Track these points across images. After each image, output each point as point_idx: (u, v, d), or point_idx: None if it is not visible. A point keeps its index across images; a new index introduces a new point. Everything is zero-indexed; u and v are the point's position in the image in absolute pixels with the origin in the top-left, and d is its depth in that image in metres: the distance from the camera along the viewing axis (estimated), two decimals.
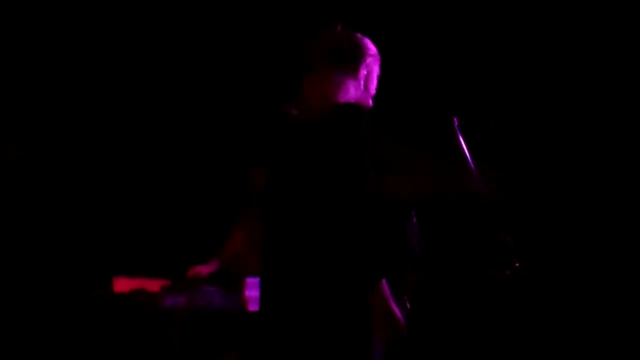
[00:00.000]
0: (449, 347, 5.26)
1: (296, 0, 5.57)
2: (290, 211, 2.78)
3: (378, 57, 2.95)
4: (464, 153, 3.00)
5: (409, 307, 2.77)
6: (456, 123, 3.05)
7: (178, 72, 5.93)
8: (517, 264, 2.94)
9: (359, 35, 2.93)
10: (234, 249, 5.24)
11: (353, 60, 2.88)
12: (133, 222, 6.00)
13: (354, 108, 2.72)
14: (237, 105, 5.96)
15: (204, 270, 4.96)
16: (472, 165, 3.00)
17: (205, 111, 6.02)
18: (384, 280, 2.57)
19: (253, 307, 4.67)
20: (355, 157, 2.61)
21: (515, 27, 5.40)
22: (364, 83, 2.89)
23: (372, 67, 2.93)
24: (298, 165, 2.77)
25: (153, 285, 4.85)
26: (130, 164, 6.07)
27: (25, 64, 5.79)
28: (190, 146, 6.06)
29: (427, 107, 2.93)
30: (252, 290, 4.67)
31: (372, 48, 2.94)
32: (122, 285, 4.80)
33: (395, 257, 2.73)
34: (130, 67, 5.91)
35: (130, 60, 5.89)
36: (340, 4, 5.20)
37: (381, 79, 2.98)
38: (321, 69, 2.87)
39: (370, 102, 2.89)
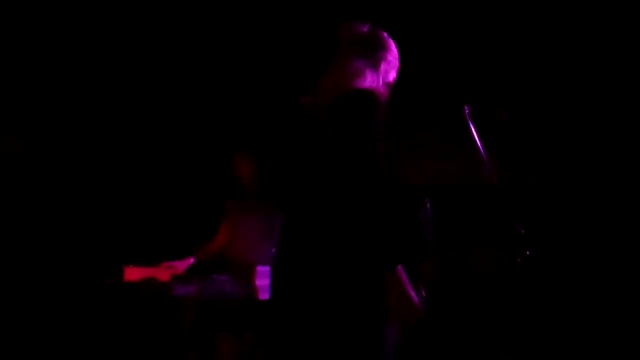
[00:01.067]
0: (460, 335, 5.26)
1: None
2: (304, 198, 2.79)
3: (398, 64, 2.98)
4: (476, 142, 3.00)
5: (424, 295, 2.77)
6: (468, 112, 3.05)
7: (168, 67, 5.95)
8: (528, 253, 2.93)
9: (386, 35, 2.96)
10: (220, 242, 5.29)
11: (377, 56, 2.91)
12: (143, 213, 6.03)
13: (366, 94, 2.74)
14: (225, 102, 6.00)
15: (179, 265, 5.02)
16: (483, 153, 2.99)
17: (196, 107, 6.06)
18: (400, 266, 2.58)
19: (264, 295, 4.69)
20: (364, 143, 2.63)
21: (527, 14, 5.39)
22: (385, 74, 2.91)
23: (390, 69, 2.96)
24: (311, 152, 2.77)
25: (163, 274, 4.87)
26: (140, 156, 6.11)
27: (27, 59, 5.81)
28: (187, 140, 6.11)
29: (439, 96, 2.92)
30: (263, 279, 4.69)
31: (395, 52, 2.99)
32: (133, 274, 4.82)
33: (411, 244, 2.72)
34: (126, 58, 5.92)
35: (124, 50, 5.90)
36: None
37: None
38: (345, 59, 2.90)
39: (386, 92, 2.90)
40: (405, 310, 2.59)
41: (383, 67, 2.91)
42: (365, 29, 2.95)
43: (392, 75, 2.96)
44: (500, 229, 2.98)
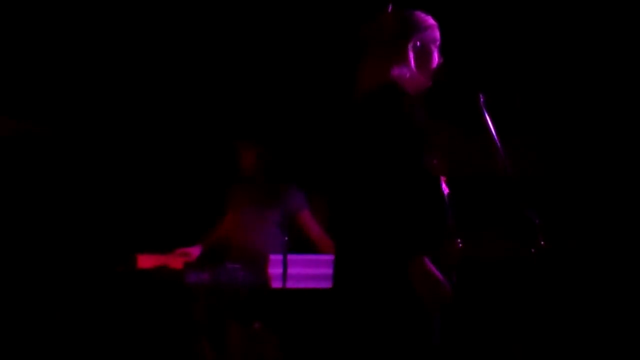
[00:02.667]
0: (474, 323, 5.25)
1: None
2: (343, 191, 2.84)
3: (434, 27, 2.97)
4: (490, 130, 2.98)
5: (454, 280, 2.79)
6: (482, 100, 3.02)
7: (179, 57, 5.95)
8: (542, 243, 2.92)
9: (408, 12, 2.96)
10: (225, 229, 5.29)
11: (399, 42, 2.90)
12: (155, 201, 6.05)
13: (389, 92, 2.77)
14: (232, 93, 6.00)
15: (191, 251, 5.03)
16: (498, 142, 2.97)
17: (203, 97, 6.07)
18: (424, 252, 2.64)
19: (276, 284, 4.69)
20: (382, 141, 2.69)
21: (542, 4, 5.35)
22: (417, 59, 2.91)
23: (426, 40, 2.94)
24: (348, 148, 2.82)
25: (175, 262, 4.88)
26: (153, 145, 6.12)
27: (29, 57, 5.82)
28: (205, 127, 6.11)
29: (453, 84, 2.90)
30: (275, 268, 4.69)
31: (424, 21, 2.96)
32: (145, 261, 4.84)
33: (434, 229, 2.74)
34: (135, 45, 5.92)
35: (133, 37, 5.90)
36: None
37: None
38: (369, 54, 2.91)
39: (422, 79, 2.93)
40: (432, 293, 2.62)
41: (410, 49, 2.89)
42: (383, 17, 2.94)
43: (434, 58, 2.95)
44: (514, 219, 2.96)
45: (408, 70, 2.86)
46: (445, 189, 2.93)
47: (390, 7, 2.96)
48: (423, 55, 2.92)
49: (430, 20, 2.97)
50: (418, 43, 2.90)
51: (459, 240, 2.83)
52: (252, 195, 5.21)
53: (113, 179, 6.08)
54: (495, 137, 2.98)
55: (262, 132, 5.36)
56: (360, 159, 2.74)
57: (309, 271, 4.66)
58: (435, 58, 2.96)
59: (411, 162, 2.68)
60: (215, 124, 6.09)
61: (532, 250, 2.92)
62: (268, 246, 4.92)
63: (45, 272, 5.86)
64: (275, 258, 4.71)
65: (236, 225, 5.22)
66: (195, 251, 5.09)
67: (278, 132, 5.46)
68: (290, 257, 4.67)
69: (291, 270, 4.65)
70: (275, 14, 5.64)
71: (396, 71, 2.84)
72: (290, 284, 4.66)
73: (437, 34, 2.97)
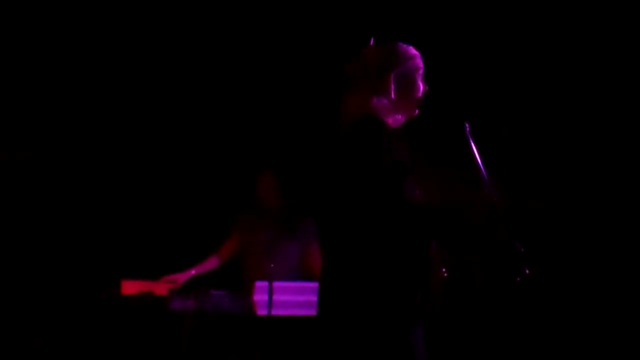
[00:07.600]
0: (458, 352, 5.24)
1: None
2: (324, 222, 2.90)
3: (416, 56, 3.01)
4: (476, 159, 2.99)
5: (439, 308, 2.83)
6: (468, 129, 3.04)
7: (188, 76, 5.95)
8: (527, 272, 2.92)
9: (390, 44, 2.99)
10: (231, 251, 5.29)
11: (382, 73, 2.93)
12: (140, 226, 6.02)
13: (366, 123, 2.80)
14: (242, 115, 5.99)
15: (179, 277, 5.02)
16: (483, 171, 2.99)
17: (211, 120, 6.05)
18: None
19: (262, 311, 4.67)
20: (366, 172, 2.72)
21: (528, 33, 5.39)
22: (400, 89, 2.94)
23: (409, 70, 2.98)
24: (329, 178, 2.86)
25: (160, 288, 4.86)
26: (139, 170, 6.10)
27: (29, 66, 5.80)
28: (197, 153, 6.09)
29: (438, 114, 2.92)
30: (261, 294, 4.67)
31: (406, 52, 3.00)
32: (130, 287, 4.81)
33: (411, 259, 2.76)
34: (149, 69, 5.92)
35: (149, 62, 5.91)
36: (350, 15, 5.28)
37: None
38: (353, 86, 2.95)
39: (405, 109, 2.97)
40: None
41: (391, 82, 2.92)
42: (365, 50, 2.97)
43: (418, 87, 2.99)
44: (500, 248, 2.98)
45: (388, 100, 2.90)
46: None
47: (372, 41, 3.00)
48: (406, 85, 2.96)
49: (413, 51, 3.01)
50: (401, 73, 2.93)
51: (444, 269, 2.84)
52: (268, 224, 5.22)
53: (99, 203, 6.06)
54: (481, 166, 2.99)
55: (281, 162, 5.38)
56: (338, 191, 2.78)
57: (294, 298, 4.64)
58: (420, 87, 2.99)
59: (384, 195, 2.72)
60: (202, 151, 6.08)
61: (517, 279, 2.93)
62: (284, 276, 4.92)
63: (28, 298, 5.83)
64: (260, 285, 4.69)
65: (251, 252, 5.21)
66: (181, 277, 5.07)
67: (294, 162, 5.45)
68: (275, 284, 4.66)
69: (277, 298, 4.64)
70: (289, 43, 5.69)
71: (375, 102, 2.88)
72: (276, 311, 4.65)
73: (420, 63, 3.01)
